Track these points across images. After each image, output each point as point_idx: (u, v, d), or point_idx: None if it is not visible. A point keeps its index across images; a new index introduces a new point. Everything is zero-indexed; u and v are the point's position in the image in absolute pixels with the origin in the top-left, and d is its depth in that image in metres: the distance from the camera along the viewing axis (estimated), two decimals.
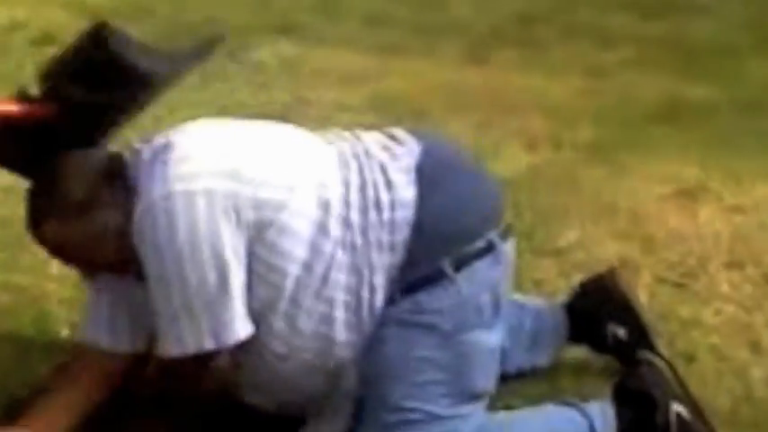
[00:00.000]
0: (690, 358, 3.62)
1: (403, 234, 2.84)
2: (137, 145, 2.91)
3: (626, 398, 3.10)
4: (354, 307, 2.83)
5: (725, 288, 3.99)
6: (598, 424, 3.04)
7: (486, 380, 3.02)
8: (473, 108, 5.38)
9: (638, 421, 3.07)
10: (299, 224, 2.78)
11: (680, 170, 4.78)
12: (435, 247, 2.85)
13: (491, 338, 2.97)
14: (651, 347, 3.44)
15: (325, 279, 2.80)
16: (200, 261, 2.67)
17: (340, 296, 2.82)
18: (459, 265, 2.85)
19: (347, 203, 2.84)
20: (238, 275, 2.72)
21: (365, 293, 2.83)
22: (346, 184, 2.86)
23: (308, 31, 6.46)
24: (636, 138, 5.07)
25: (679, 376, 3.20)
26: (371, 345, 2.86)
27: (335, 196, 2.84)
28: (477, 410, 2.98)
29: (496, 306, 2.95)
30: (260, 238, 2.73)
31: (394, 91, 5.60)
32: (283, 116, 5.25)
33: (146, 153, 2.83)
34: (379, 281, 2.83)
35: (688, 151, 4.95)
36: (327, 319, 2.83)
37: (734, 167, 4.80)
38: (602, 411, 3.08)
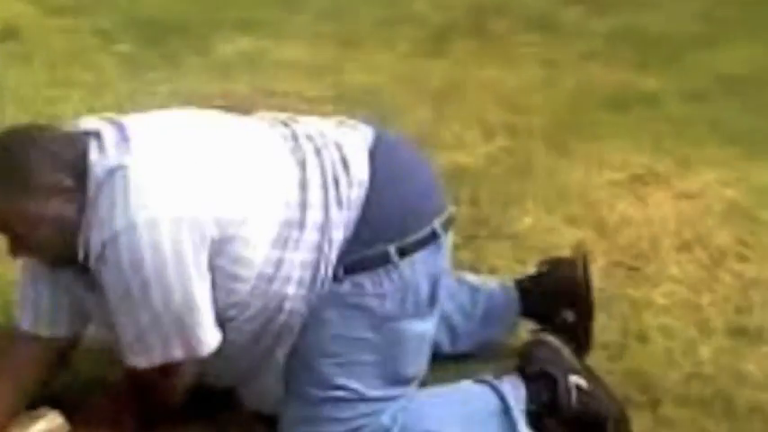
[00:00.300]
0: (641, 338, 3.75)
1: (355, 213, 2.89)
2: (102, 131, 2.84)
3: (530, 377, 3.24)
4: (309, 281, 2.87)
5: (674, 270, 4.13)
6: (510, 399, 3.15)
7: (417, 366, 3.10)
8: (431, 99, 5.49)
9: (545, 397, 3.21)
10: (261, 234, 2.80)
11: (631, 157, 4.92)
12: (383, 231, 2.91)
13: (426, 326, 3.04)
14: (587, 332, 3.58)
15: (280, 262, 2.84)
16: (166, 285, 2.68)
17: (296, 273, 2.86)
18: (403, 252, 2.91)
19: (305, 186, 2.86)
20: (203, 288, 2.74)
21: (321, 269, 2.87)
22: (303, 165, 2.89)
23: (268, 25, 6.54)
24: (589, 126, 5.20)
25: (579, 356, 3.34)
26: (309, 320, 2.92)
27: (294, 186, 2.86)
28: (404, 394, 3.06)
29: (434, 295, 3.02)
30: (223, 252, 2.74)
31: (353, 83, 5.70)
32: (245, 109, 5.39)
33: (103, 165, 2.74)
34: (334, 256, 2.88)
35: (639, 139, 5.09)
36: (280, 295, 2.87)
37: (682, 154, 4.94)
38: (514, 387, 3.19)
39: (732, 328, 3.82)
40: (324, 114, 5.10)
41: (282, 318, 2.91)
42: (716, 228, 4.41)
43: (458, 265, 4.10)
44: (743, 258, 4.22)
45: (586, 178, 4.74)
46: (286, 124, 3.05)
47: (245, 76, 5.86)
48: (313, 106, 5.39)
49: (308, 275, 2.87)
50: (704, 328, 3.81)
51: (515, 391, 3.19)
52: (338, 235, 2.87)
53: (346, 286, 2.90)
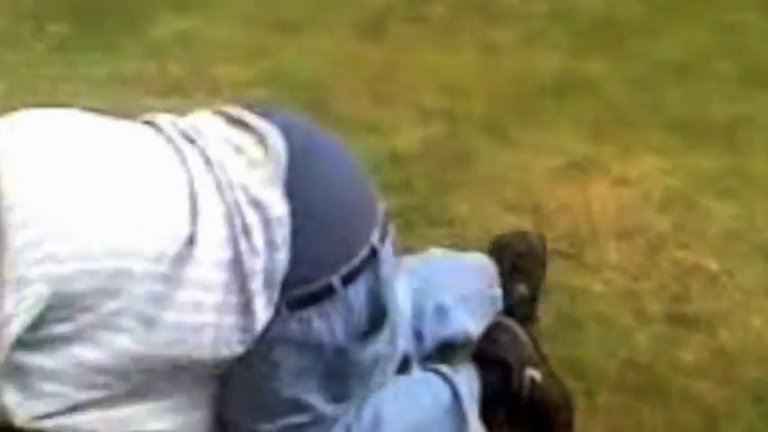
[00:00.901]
0: (578, 326, 3.73)
1: (282, 253, 2.63)
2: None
3: (486, 363, 3.20)
4: (234, 326, 2.64)
5: (613, 258, 4.10)
6: (463, 390, 3.11)
7: (374, 385, 2.98)
8: (369, 84, 5.43)
9: (497, 385, 3.18)
10: (144, 287, 2.54)
11: (570, 143, 4.88)
12: (321, 265, 2.70)
13: (377, 347, 2.89)
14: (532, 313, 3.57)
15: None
16: None
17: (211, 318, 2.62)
18: (347, 280, 2.72)
19: (206, 242, 2.58)
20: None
21: (250, 314, 2.63)
22: (198, 217, 2.59)
23: (205, 6, 6.45)
24: (528, 112, 5.16)
25: (536, 342, 3.32)
26: (256, 361, 2.72)
27: (185, 238, 2.56)
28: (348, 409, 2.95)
29: (382, 312, 2.86)
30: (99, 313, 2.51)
31: (290, 66, 5.63)
32: (179, 90, 5.32)
33: None
34: (260, 304, 2.63)
35: (578, 125, 5.06)
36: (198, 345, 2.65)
37: (622, 141, 4.91)
38: (468, 377, 3.15)
39: (669, 315, 3.80)
40: (259, 99, 5.16)
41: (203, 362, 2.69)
42: (655, 215, 4.39)
43: (398, 251, 4.05)
44: (682, 245, 4.20)
45: (525, 164, 4.70)
46: (190, 139, 2.74)
47: (180, 58, 5.77)
48: (249, 89, 5.33)
49: (230, 320, 2.64)
50: (641, 315, 3.79)
51: (469, 381, 3.15)
52: (267, 280, 2.62)
53: (293, 324, 2.69)
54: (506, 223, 4.25)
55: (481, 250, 3.89)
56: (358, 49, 5.83)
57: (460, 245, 4.09)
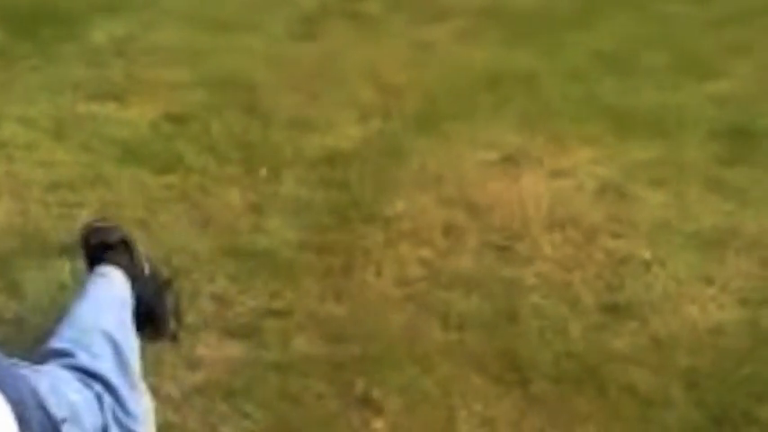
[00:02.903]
0: (513, 318, 3.75)
1: None
2: None
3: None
4: None
5: (546, 249, 4.13)
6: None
7: None
8: (303, 82, 5.43)
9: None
10: None
11: (504, 137, 4.91)
12: None
13: None
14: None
15: None
16: None
17: None
18: None
19: None
20: None
21: None
22: None
23: (139, 10, 6.43)
24: (462, 107, 5.19)
25: None
26: None
27: None
28: None
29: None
30: None
31: (225, 67, 5.62)
32: (117, 95, 5.30)
33: None
34: None
35: (512, 118, 5.09)
36: None
37: (555, 133, 4.95)
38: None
39: (603, 305, 3.83)
40: (197, 101, 5.16)
41: None
42: (588, 206, 4.43)
43: (329, 249, 4.07)
44: (615, 235, 4.23)
45: (458, 159, 4.73)
46: None
47: (117, 62, 5.76)
48: (185, 92, 5.33)
49: None
50: (575, 306, 3.82)
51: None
52: None
53: None
54: (440, 218, 4.27)
55: (415, 245, 3.93)
56: (293, 47, 5.84)
57: (395, 240, 4.11)
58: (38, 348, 2.95)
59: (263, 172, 4.58)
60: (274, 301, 3.79)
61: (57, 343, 2.95)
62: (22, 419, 2.39)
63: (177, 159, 4.66)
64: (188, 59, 5.71)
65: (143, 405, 2.95)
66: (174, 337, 3.56)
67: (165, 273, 3.71)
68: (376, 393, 3.39)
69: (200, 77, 5.51)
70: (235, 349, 3.55)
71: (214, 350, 3.55)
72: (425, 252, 4.08)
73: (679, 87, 5.34)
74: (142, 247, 3.58)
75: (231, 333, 3.62)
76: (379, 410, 3.33)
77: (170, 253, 3.98)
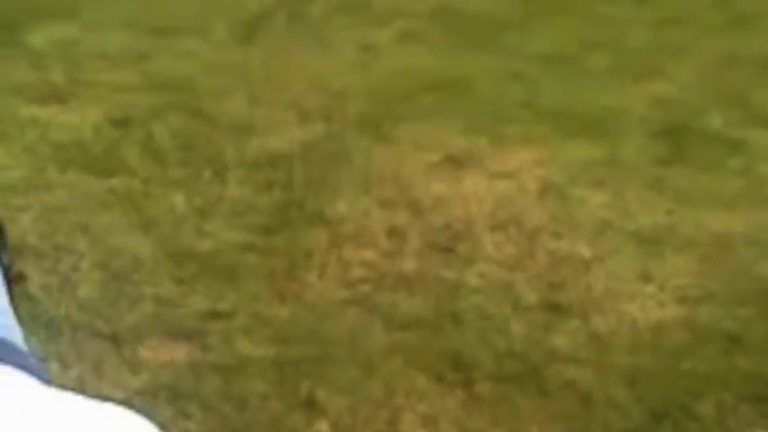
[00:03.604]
0: (456, 318, 3.78)
1: None
2: None
3: None
4: None
5: (489, 250, 4.16)
6: None
7: None
8: (246, 85, 5.43)
9: None
10: None
11: (446, 139, 4.94)
12: None
13: None
14: None
15: None
16: None
17: None
18: None
19: None
20: None
21: None
22: None
23: (81, 13, 6.39)
24: (404, 109, 5.21)
25: None
26: None
27: None
28: None
29: None
30: None
31: (168, 71, 5.61)
32: (59, 97, 5.27)
33: None
34: None
35: (454, 121, 5.11)
36: None
37: (497, 135, 4.98)
38: None
39: (544, 304, 3.87)
40: (141, 105, 5.14)
41: None
42: (530, 206, 4.46)
43: (272, 251, 4.08)
44: (556, 235, 4.27)
45: (401, 161, 4.75)
46: None
47: (60, 65, 5.72)
48: (127, 94, 5.31)
49: None
50: (517, 305, 3.86)
51: None
52: None
53: None
54: (383, 219, 4.29)
55: (359, 247, 3.94)
56: (236, 51, 5.83)
57: (337, 242, 4.13)
58: None
59: (207, 175, 4.58)
60: (218, 304, 3.79)
61: None
62: None
63: (120, 163, 4.65)
64: (131, 63, 5.69)
65: None
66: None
67: None
68: (320, 394, 3.41)
69: (144, 81, 5.49)
70: (178, 352, 3.55)
71: (157, 353, 3.55)
72: (369, 254, 4.10)
73: (619, 88, 5.40)
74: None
75: (174, 336, 3.62)
76: (322, 411, 3.34)
77: (111, 256, 3.97)
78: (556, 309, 3.85)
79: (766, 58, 5.66)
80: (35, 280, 3.82)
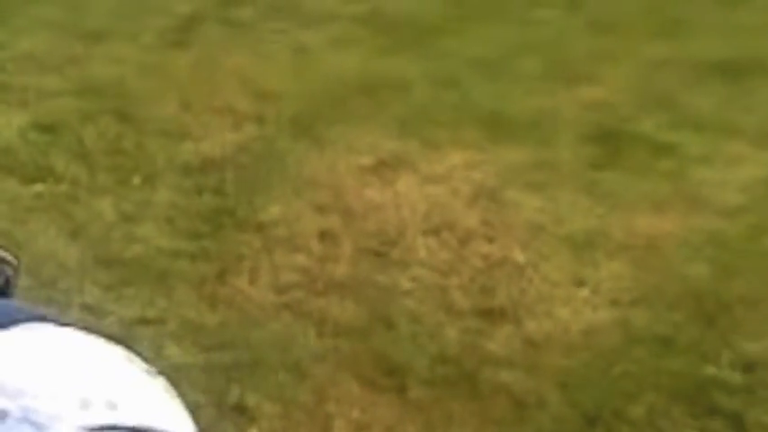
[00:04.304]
0: (388, 323, 3.76)
1: None
2: None
3: None
4: None
5: (422, 254, 4.14)
6: None
7: None
8: (177, 89, 5.37)
9: None
10: None
11: (379, 142, 4.91)
12: None
13: None
14: None
15: None
16: None
17: None
18: None
19: None
20: None
21: None
22: None
23: (9, 17, 6.30)
24: (337, 113, 5.18)
25: None
26: None
27: None
28: None
29: None
30: None
31: (97, 75, 5.53)
32: None
33: None
34: None
35: (387, 124, 5.09)
36: None
37: (430, 138, 4.96)
38: None
39: (477, 309, 3.86)
40: (71, 109, 5.07)
41: None
42: (463, 210, 4.45)
43: (203, 257, 4.04)
44: (489, 240, 4.26)
45: (333, 165, 4.72)
46: None
47: None
48: (56, 99, 5.24)
49: None
50: (450, 310, 3.84)
51: None
52: None
53: None
54: (315, 224, 4.26)
55: (291, 251, 3.90)
56: (166, 55, 5.77)
57: (269, 246, 4.09)
58: None
59: (137, 180, 4.52)
60: (147, 310, 3.74)
61: None
62: None
63: (47, 168, 4.58)
64: (59, 67, 5.61)
65: None
66: None
67: None
68: (250, 401, 3.37)
69: (72, 85, 5.42)
70: None
71: None
72: (301, 258, 4.07)
73: (551, 92, 5.40)
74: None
75: None
76: (253, 418, 3.31)
77: (39, 263, 3.90)
78: (489, 313, 3.84)
79: (696, 62, 5.70)
80: None
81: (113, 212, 4.29)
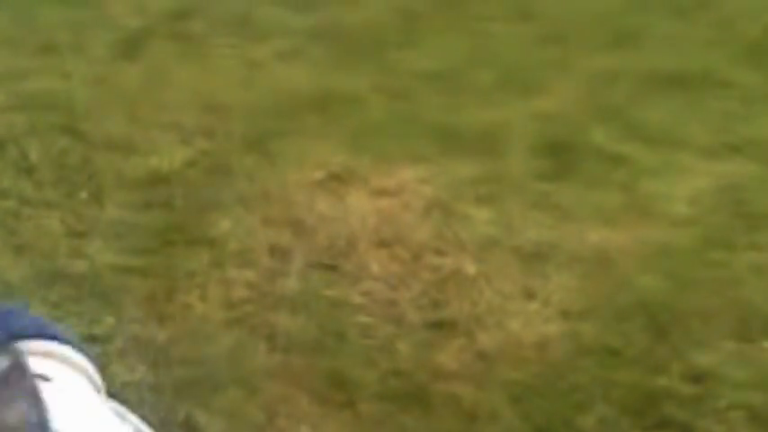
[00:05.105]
0: (340, 338, 3.73)
1: None
2: None
3: None
4: None
5: (373, 268, 4.12)
6: None
7: None
8: (125, 103, 5.32)
9: None
10: None
11: (330, 156, 4.89)
12: None
13: None
14: None
15: None
16: None
17: None
18: None
19: None
20: None
21: None
22: None
23: None
24: (288, 127, 5.15)
25: None
26: None
27: None
28: None
29: None
30: None
31: (44, 89, 5.48)
32: None
33: None
34: None
35: (338, 138, 5.07)
36: None
37: (381, 152, 4.94)
38: None
39: (429, 322, 3.84)
40: (18, 124, 5.02)
41: None
42: (415, 224, 4.43)
43: (152, 273, 4.00)
44: (440, 253, 4.25)
45: (284, 179, 4.69)
46: None
47: None
48: (2, 115, 5.18)
49: None
50: (402, 324, 3.82)
51: None
52: None
53: None
54: (266, 238, 4.23)
55: (241, 266, 3.88)
56: (115, 69, 5.72)
57: (220, 261, 4.06)
58: None
59: (84, 195, 4.47)
60: (94, 327, 3.70)
61: None
62: None
63: None
64: (4, 82, 5.54)
65: None
66: None
67: None
68: (200, 418, 3.33)
69: (18, 100, 5.36)
70: None
71: None
72: (251, 274, 4.04)
73: (503, 105, 5.40)
74: None
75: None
76: None
77: None
78: (440, 326, 3.82)
79: (646, 73, 5.72)
80: None
81: (60, 228, 4.24)
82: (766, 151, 4.97)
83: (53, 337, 1.52)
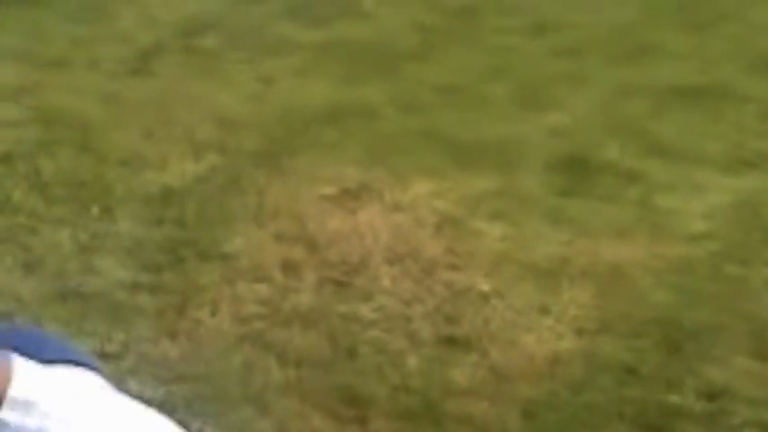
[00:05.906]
0: (351, 353, 3.71)
1: None
2: None
3: None
4: None
5: (386, 283, 4.10)
6: None
7: None
8: (137, 119, 5.31)
9: None
10: None
11: (342, 172, 4.87)
12: None
13: None
14: None
15: None
16: None
17: None
18: None
19: None
20: None
21: None
22: None
23: None
24: (300, 142, 5.14)
25: None
26: None
27: None
28: None
29: None
30: None
31: (57, 104, 5.47)
32: None
33: None
34: None
35: (352, 153, 5.05)
36: None
37: (394, 166, 4.92)
38: None
39: (441, 338, 3.81)
40: (29, 139, 5.01)
41: None
42: (427, 239, 4.41)
43: (163, 289, 3.99)
44: (453, 268, 4.22)
45: (296, 194, 4.67)
46: None
47: None
48: (14, 130, 5.17)
49: None
50: (414, 339, 3.80)
51: None
52: None
53: None
54: (279, 254, 4.21)
55: (253, 282, 3.86)
56: (128, 84, 5.72)
57: (232, 278, 4.04)
58: None
59: (95, 211, 4.46)
60: (106, 345, 3.68)
61: None
62: None
63: (3, 199, 4.51)
64: (17, 96, 5.54)
65: None
66: None
67: None
68: None
69: (31, 115, 5.35)
70: None
71: None
72: (263, 289, 4.02)
73: (518, 119, 5.38)
74: None
75: None
76: None
77: None
78: (453, 342, 3.79)
79: (662, 88, 5.69)
80: None
81: (71, 244, 4.22)
82: None
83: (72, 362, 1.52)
